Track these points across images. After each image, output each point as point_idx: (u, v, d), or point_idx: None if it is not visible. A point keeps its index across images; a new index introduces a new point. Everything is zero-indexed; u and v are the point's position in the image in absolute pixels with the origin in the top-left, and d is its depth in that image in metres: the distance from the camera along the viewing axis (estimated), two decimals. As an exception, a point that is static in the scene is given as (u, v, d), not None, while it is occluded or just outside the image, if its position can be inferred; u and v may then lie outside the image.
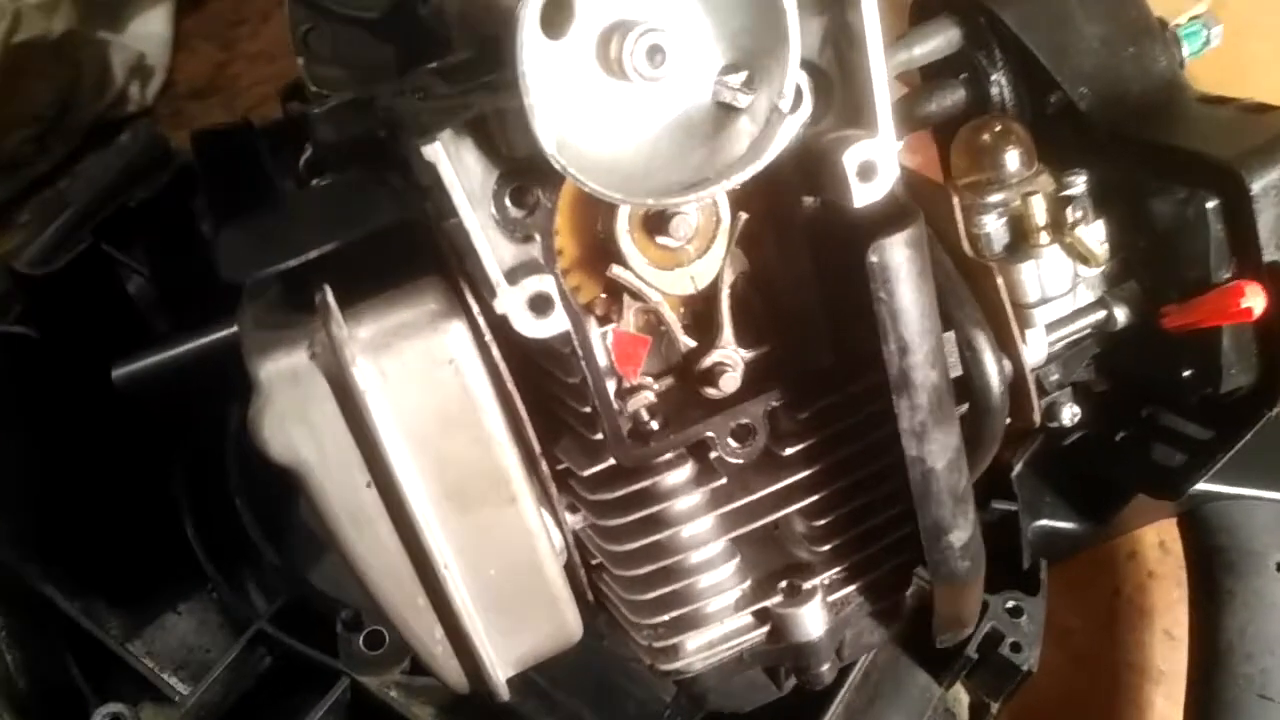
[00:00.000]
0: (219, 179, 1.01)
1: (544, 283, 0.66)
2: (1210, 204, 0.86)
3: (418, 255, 0.75)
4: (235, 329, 0.81)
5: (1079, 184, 0.93)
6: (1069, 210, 0.91)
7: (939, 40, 1.03)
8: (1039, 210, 0.91)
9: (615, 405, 0.76)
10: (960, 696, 1.13)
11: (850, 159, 0.68)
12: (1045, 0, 0.99)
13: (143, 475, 1.12)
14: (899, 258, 0.70)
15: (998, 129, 0.95)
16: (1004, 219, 0.93)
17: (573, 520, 0.84)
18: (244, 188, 1.01)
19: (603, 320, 0.77)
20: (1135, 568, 1.34)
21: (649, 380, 0.79)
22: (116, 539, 1.09)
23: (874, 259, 0.70)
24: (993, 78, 1.02)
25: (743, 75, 0.65)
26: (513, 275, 0.66)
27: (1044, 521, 1.16)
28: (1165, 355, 0.96)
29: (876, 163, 0.69)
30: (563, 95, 0.63)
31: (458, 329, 0.71)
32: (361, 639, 1.00)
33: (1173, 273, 0.92)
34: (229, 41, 1.76)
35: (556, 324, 0.67)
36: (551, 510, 0.83)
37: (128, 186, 1.40)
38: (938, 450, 0.76)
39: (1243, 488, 1.08)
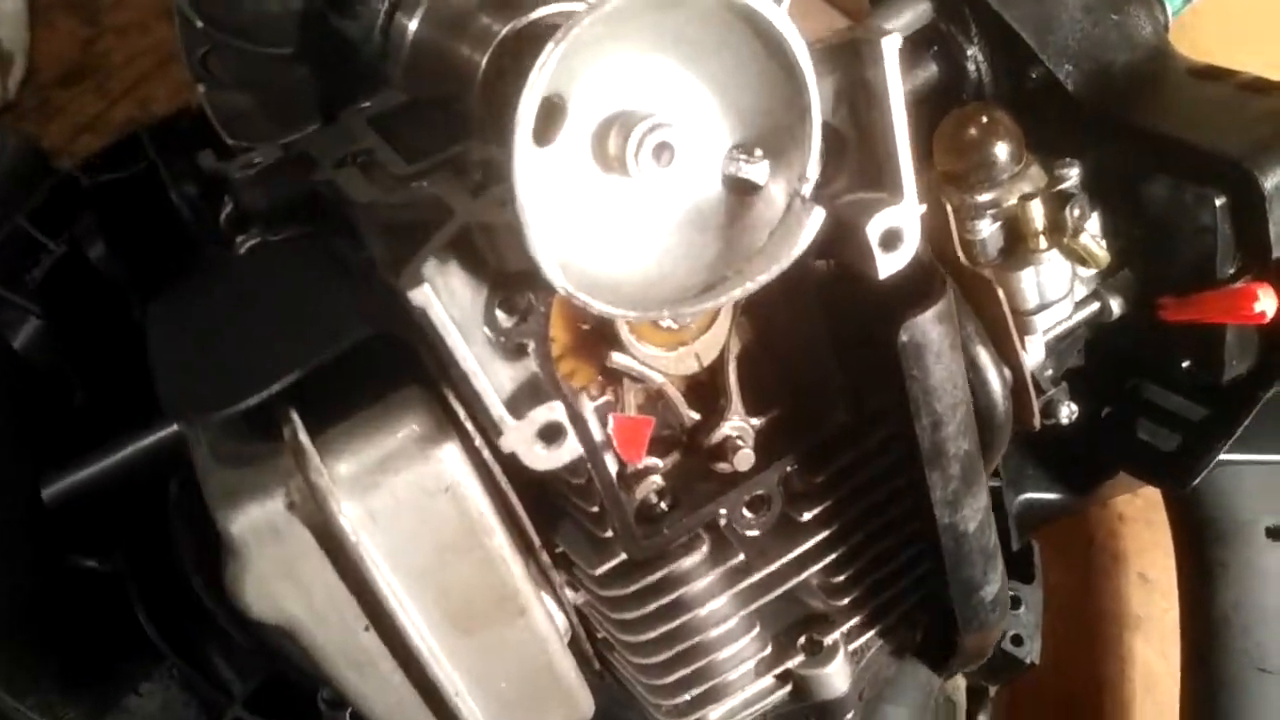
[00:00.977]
0: (126, 239, 0.89)
1: (553, 411, 0.58)
2: (1219, 201, 0.82)
3: (388, 359, 0.66)
4: (174, 429, 0.72)
5: (1072, 176, 0.88)
6: (1068, 212, 0.86)
7: (909, 15, 0.95)
8: (1037, 215, 0.85)
9: (622, 496, 0.70)
10: (958, 682, 1.12)
11: (874, 229, 0.61)
12: (1023, -29, 0.91)
13: (80, 547, 1.02)
14: (932, 334, 0.64)
15: (984, 121, 0.88)
16: (998, 223, 0.88)
17: (574, 596, 0.79)
18: (156, 241, 0.90)
19: (596, 396, 0.70)
20: (1107, 514, 1.34)
21: (654, 461, 0.72)
22: (60, 620, 0.99)
23: (905, 338, 0.64)
24: (969, 53, 0.95)
25: (756, 153, 0.58)
26: (516, 405, 0.58)
27: (1028, 495, 1.14)
28: (1160, 343, 0.93)
29: (902, 230, 0.62)
30: (557, 205, 0.54)
31: (450, 452, 0.63)
32: (348, 716, 0.94)
33: (1172, 264, 0.88)
34: (93, 13, 1.55)
35: (569, 451, 0.59)
36: (552, 592, 0.77)
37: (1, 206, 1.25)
38: (969, 515, 0.72)
39: (1228, 452, 1.06)
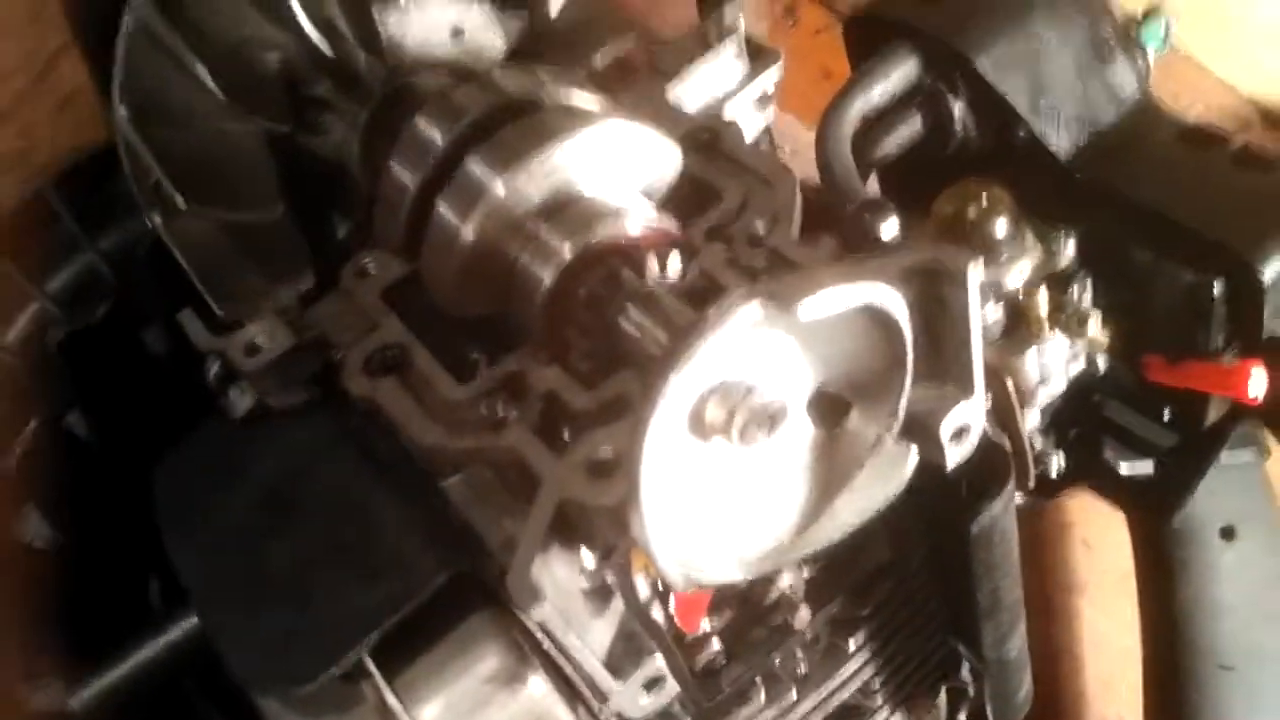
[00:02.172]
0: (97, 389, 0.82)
1: (654, 667, 0.58)
2: (1218, 287, 0.84)
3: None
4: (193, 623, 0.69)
5: (1069, 250, 0.89)
6: (1070, 296, 0.87)
7: (898, 76, 0.93)
8: (1043, 303, 0.86)
9: (686, 669, 0.70)
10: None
11: (947, 426, 0.61)
12: (1017, 36, 0.89)
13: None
14: (1002, 521, 0.65)
15: (984, 204, 0.88)
16: (1000, 304, 0.88)
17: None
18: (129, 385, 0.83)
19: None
20: (1051, 483, 1.41)
21: (710, 624, 0.73)
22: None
23: (976, 530, 0.65)
24: (955, 112, 0.93)
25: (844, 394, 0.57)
26: (617, 666, 0.57)
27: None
28: (1141, 394, 0.96)
29: (971, 425, 0.62)
30: (657, 487, 0.52)
31: (536, 684, 0.62)
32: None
33: (1157, 326, 0.91)
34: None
35: (669, 693, 0.59)
36: None
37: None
38: (1013, 646, 0.75)
39: (1179, 454, 1.12)
